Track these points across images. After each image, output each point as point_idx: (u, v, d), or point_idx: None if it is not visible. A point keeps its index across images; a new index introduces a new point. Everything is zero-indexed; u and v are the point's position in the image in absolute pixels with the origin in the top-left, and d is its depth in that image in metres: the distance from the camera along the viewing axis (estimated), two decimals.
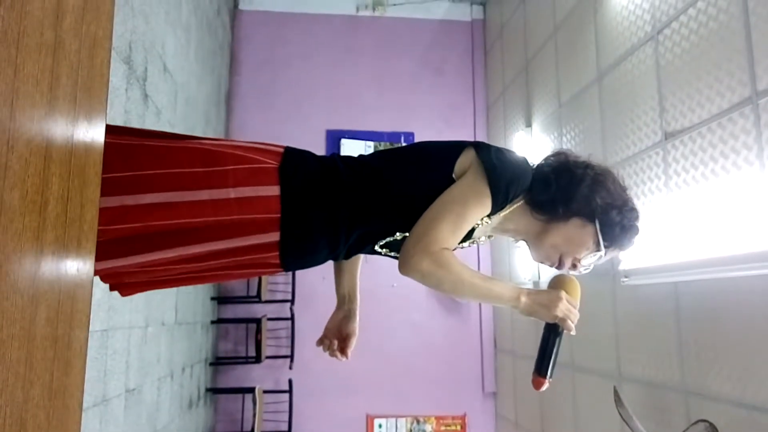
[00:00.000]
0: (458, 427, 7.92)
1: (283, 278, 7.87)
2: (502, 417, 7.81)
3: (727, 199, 3.45)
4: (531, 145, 6.68)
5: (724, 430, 3.31)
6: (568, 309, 2.01)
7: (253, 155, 1.96)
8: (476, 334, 8.13)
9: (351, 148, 8.07)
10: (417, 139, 8.17)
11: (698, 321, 3.76)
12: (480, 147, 2.03)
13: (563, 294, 2.02)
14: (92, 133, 1.31)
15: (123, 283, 2.00)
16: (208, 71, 6.95)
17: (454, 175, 2.01)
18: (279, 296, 7.81)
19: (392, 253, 2.12)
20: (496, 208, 2.00)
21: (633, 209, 2.12)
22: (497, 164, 1.98)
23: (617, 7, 4.82)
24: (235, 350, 7.82)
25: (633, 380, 4.47)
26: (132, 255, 1.84)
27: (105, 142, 1.44)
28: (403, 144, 6.55)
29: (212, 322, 7.53)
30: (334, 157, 2.10)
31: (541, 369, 2.05)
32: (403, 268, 1.93)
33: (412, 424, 7.86)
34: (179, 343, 5.88)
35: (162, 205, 1.82)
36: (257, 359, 7.35)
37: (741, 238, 3.32)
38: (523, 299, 1.99)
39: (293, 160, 2.01)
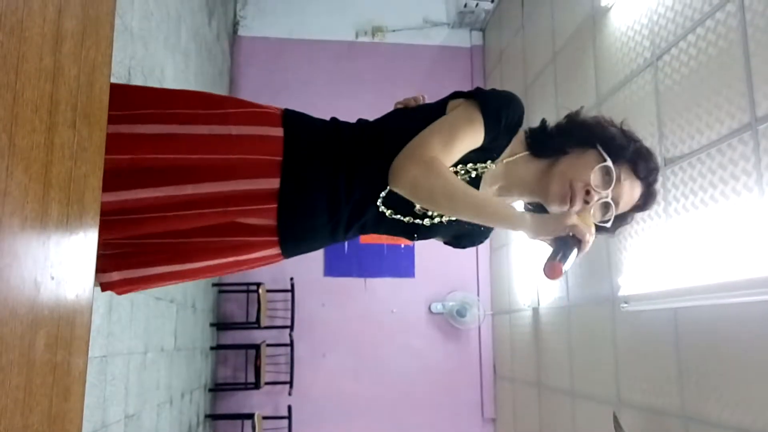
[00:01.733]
0: None
1: (282, 304, 7.86)
2: None
3: (726, 226, 3.45)
4: None
5: None
6: (580, 222, 1.82)
7: (255, 103, 1.94)
8: (476, 360, 8.10)
9: None
10: None
11: (698, 347, 3.74)
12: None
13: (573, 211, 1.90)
14: (92, 159, 1.30)
15: (102, 257, 1.82)
16: None
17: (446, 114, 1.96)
18: (278, 322, 7.79)
19: (397, 215, 2.00)
20: (490, 134, 1.93)
21: (634, 135, 2.04)
22: (486, 92, 1.96)
23: (616, 33, 4.83)
24: (234, 376, 7.79)
25: (632, 406, 4.45)
26: (120, 190, 1.73)
27: None
28: None
29: (211, 348, 7.51)
30: (332, 118, 2.06)
31: (557, 257, 1.81)
32: (392, 178, 1.84)
33: None
34: (178, 369, 5.87)
35: (158, 137, 1.76)
36: (256, 385, 7.32)
37: (741, 264, 3.31)
38: (528, 216, 1.86)
39: (294, 112, 1.98)
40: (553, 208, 2.00)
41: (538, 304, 6.40)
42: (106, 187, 1.56)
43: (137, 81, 4.40)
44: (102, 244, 1.72)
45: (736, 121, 3.43)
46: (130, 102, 1.79)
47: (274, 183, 1.84)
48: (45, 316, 1.08)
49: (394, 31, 8.73)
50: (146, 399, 4.87)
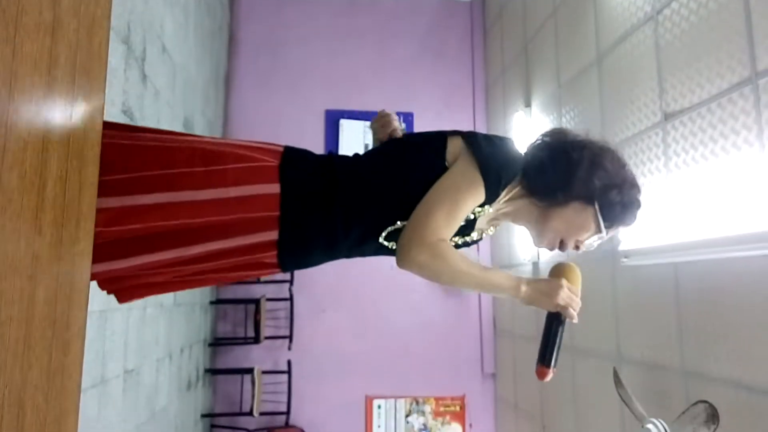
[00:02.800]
0: (457, 408, 7.94)
1: None
2: (501, 398, 7.83)
3: (726, 180, 3.45)
4: (530, 125, 6.67)
5: (724, 412, 3.32)
6: (570, 297, 2.03)
7: (253, 154, 1.99)
8: (475, 315, 8.13)
9: (350, 129, 8.05)
10: (416, 120, 8.17)
11: (698, 302, 3.76)
12: (466, 134, 2.08)
13: (564, 282, 2.04)
14: (91, 114, 1.30)
15: (122, 288, 2.02)
16: (206, 52, 6.92)
17: (447, 164, 2.03)
18: (278, 277, 7.79)
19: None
20: (490, 194, 2.02)
21: (633, 186, 2.12)
22: (486, 150, 2.02)
23: None
24: (234, 331, 7.82)
25: (633, 362, 4.48)
26: (131, 257, 1.86)
27: (103, 142, 1.45)
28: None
29: (211, 303, 7.54)
30: (331, 155, 2.12)
31: (544, 359, 2.06)
32: (400, 261, 1.95)
33: (411, 404, 7.87)
34: (178, 324, 5.88)
35: (161, 206, 1.84)
36: (256, 340, 7.35)
37: (741, 218, 3.32)
38: (524, 288, 2.01)
39: (292, 159, 2.04)
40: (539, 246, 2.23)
41: (538, 259, 6.41)
42: (118, 254, 1.83)
43: (137, 36, 4.37)
44: (117, 277, 1.95)
45: (736, 75, 3.41)
46: (129, 164, 1.86)
47: (273, 235, 1.97)
48: (44, 270, 1.09)
49: None
50: (145, 354, 4.89)
